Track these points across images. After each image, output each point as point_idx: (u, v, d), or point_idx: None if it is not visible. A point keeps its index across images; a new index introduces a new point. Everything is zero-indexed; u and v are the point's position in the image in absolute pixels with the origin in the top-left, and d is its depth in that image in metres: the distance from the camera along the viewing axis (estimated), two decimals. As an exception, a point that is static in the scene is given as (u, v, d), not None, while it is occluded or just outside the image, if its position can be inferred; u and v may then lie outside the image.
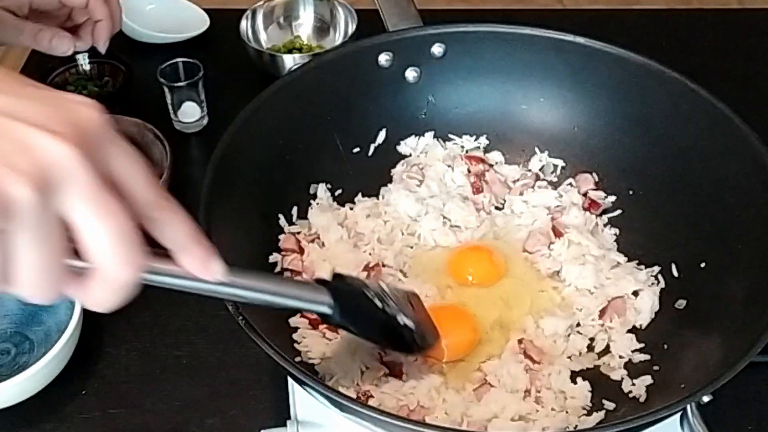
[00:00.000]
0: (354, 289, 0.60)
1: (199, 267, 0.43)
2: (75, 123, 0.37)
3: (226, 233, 0.64)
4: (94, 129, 0.38)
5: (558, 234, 0.79)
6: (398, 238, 0.79)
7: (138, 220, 0.39)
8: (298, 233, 0.77)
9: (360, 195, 0.82)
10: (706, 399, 0.55)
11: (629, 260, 0.78)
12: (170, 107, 0.98)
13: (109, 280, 0.38)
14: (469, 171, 0.84)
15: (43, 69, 1.02)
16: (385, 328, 0.61)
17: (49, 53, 0.81)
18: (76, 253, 0.38)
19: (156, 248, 0.43)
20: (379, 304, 0.60)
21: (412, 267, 0.77)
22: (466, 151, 0.86)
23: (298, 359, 0.67)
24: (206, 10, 1.15)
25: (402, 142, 0.86)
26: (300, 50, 1.08)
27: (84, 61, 1.03)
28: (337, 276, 0.60)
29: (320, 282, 0.58)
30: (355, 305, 0.59)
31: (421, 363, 0.69)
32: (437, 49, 0.83)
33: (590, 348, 0.72)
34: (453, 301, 0.75)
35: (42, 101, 0.37)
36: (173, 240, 0.42)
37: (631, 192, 0.81)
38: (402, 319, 0.61)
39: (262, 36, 1.09)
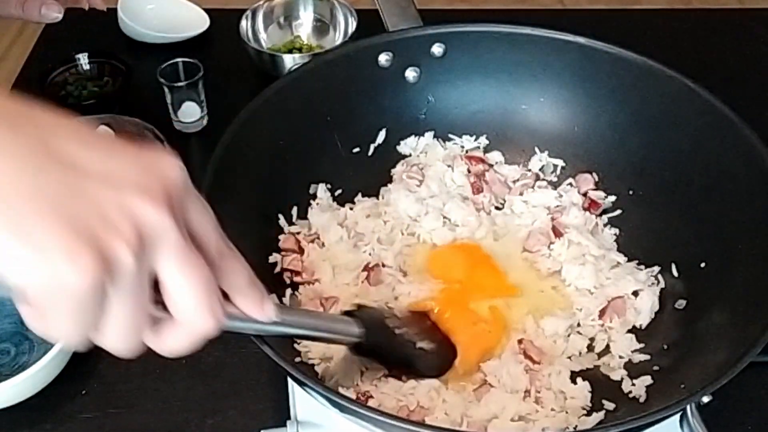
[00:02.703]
0: (377, 319, 0.64)
1: (255, 308, 0.46)
2: (164, 185, 0.39)
3: (226, 233, 0.63)
4: (178, 188, 0.40)
5: (558, 234, 0.79)
6: (398, 238, 0.79)
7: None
8: (298, 233, 0.77)
9: (360, 195, 0.82)
10: (706, 399, 0.55)
11: (629, 260, 0.78)
12: (170, 107, 0.98)
13: (191, 330, 0.41)
14: (469, 171, 0.84)
15: (43, 69, 1.02)
16: (406, 353, 0.65)
17: (39, 21, 0.82)
18: (155, 301, 0.40)
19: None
20: (399, 331, 0.65)
21: (412, 267, 0.77)
22: (466, 151, 0.86)
23: (298, 359, 0.67)
24: (206, 10, 1.15)
25: (402, 142, 0.86)
26: (300, 50, 1.08)
27: (84, 61, 1.03)
28: (358, 306, 0.64)
29: (347, 313, 0.62)
30: (380, 333, 0.63)
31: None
32: (437, 49, 0.83)
33: (590, 348, 0.72)
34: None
35: (133, 164, 0.39)
36: (233, 284, 0.45)
37: (631, 192, 0.81)
38: (420, 344, 0.66)
39: (262, 36, 1.09)
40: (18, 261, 0.35)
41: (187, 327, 0.41)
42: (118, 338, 0.39)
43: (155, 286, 0.40)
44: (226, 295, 0.45)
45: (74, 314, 0.36)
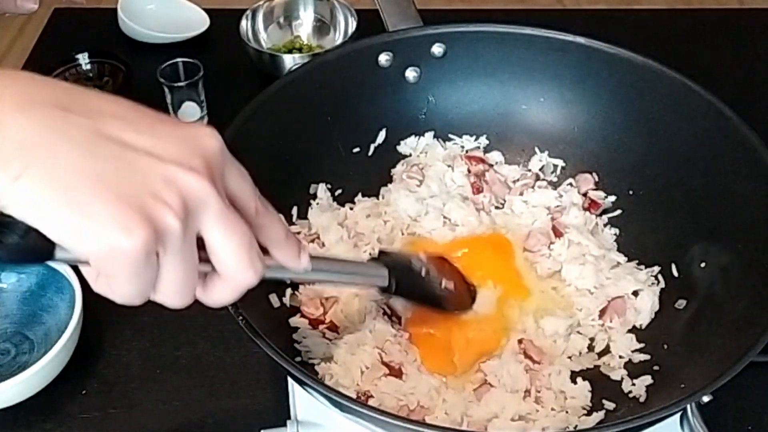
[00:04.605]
0: (402, 262, 0.68)
1: (292, 259, 0.50)
2: (203, 154, 0.43)
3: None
4: (216, 156, 0.44)
5: (558, 234, 0.79)
6: (398, 238, 0.79)
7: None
8: (298, 233, 0.77)
9: (360, 195, 0.82)
10: (706, 399, 0.55)
11: (629, 260, 0.78)
12: (170, 107, 0.98)
13: (234, 283, 0.46)
14: (469, 171, 0.84)
15: (43, 69, 1.02)
16: (430, 292, 0.69)
17: (17, 13, 0.81)
18: (201, 259, 0.44)
19: None
20: (423, 273, 0.68)
21: (412, 267, 0.77)
22: (466, 151, 0.86)
23: (298, 359, 0.67)
24: (206, 10, 1.15)
25: (402, 142, 0.86)
26: (300, 50, 1.08)
27: (84, 61, 1.03)
28: (383, 253, 0.68)
29: (375, 259, 0.66)
30: (406, 276, 0.66)
31: (419, 365, 0.69)
32: (437, 49, 0.83)
33: (590, 348, 0.72)
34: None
35: (174, 138, 0.43)
36: (272, 239, 0.49)
37: (631, 192, 0.81)
38: (444, 283, 0.69)
39: (262, 36, 1.09)
40: (80, 234, 0.39)
41: (231, 280, 0.45)
42: (172, 294, 0.44)
43: (202, 245, 0.44)
44: (265, 250, 0.48)
45: (132, 275, 0.41)
